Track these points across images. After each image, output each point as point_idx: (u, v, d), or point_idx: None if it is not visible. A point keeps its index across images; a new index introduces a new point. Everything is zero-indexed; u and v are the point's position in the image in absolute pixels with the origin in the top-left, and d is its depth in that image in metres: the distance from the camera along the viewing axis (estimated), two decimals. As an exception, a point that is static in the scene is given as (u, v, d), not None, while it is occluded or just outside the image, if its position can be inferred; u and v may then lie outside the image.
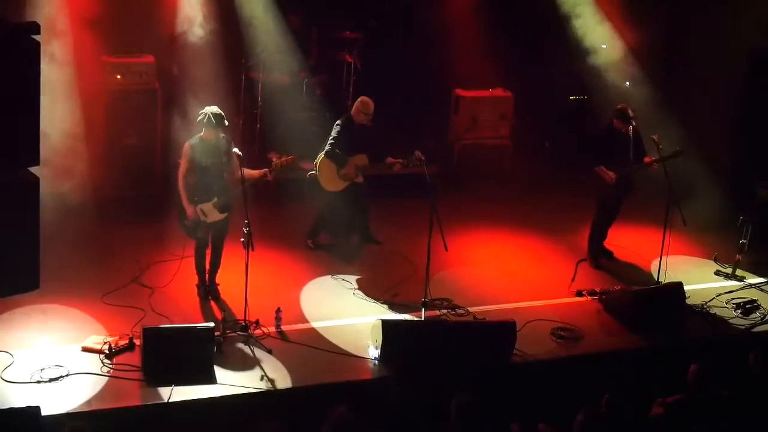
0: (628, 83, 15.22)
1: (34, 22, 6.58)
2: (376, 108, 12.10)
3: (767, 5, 13.14)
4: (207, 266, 11.11)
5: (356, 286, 11.58)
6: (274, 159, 11.15)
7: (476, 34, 15.03)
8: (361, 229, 12.61)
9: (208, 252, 11.08)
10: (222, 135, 10.68)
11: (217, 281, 11.20)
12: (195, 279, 11.14)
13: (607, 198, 12.38)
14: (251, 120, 14.68)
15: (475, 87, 15.24)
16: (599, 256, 12.68)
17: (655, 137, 11.97)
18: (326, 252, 12.38)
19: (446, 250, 10.68)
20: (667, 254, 11.82)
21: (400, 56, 15.34)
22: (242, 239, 10.13)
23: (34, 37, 6.46)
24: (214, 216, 10.79)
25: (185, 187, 10.71)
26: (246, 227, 10.09)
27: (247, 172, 10.62)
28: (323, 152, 12.02)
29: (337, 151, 11.96)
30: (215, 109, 10.60)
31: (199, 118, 10.58)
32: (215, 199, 10.72)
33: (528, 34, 15.41)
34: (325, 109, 14.58)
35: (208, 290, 11.14)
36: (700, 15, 14.64)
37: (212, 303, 11.01)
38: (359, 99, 12.19)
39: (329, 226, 12.51)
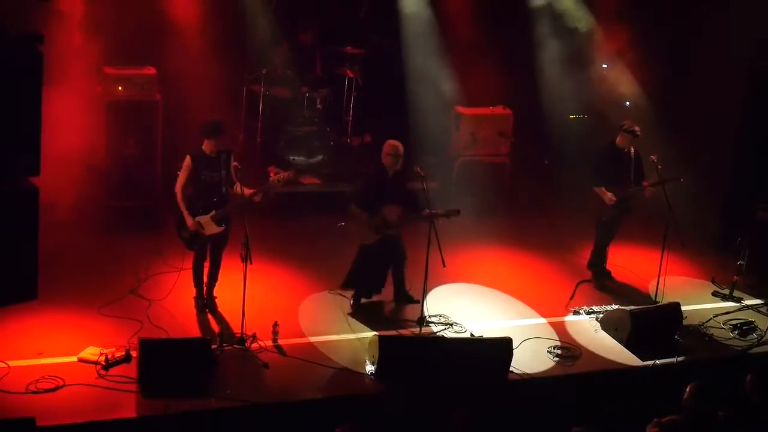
0: (628, 103, 15.24)
1: (38, 32, 6.59)
2: (376, 123, 12.04)
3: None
4: (205, 279, 11.10)
5: (353, 301, 11.55)
6: (272, 174, 11.11)
7: (477, 51, 15.03)
8: (396, 285, 11.71)
9: (206, 265, 11.07)
10: (222, 148, 10.72)
11: (215, 294, 11.19)
12: (193, 291, 11.12)
13: (606, 218, 12.37)
14: (252, 133, 14.69)
15: (476, 104, 15.25)
16: (601, 277, 12.69)
17: (653, 158, 11.98)
18: (333, 274, 12.00)
19: (444, 266, 10.67)
20: (665, 275, 11.82)
21: (401, 72, 15.34)
22: (241, 253, 10.14)
23: (37, 47, 6.46)
24: (212, 229, 10.79)
25: (184, 198, 10.74)
26: (245, 241, 10.10)
27: (238, 188, 10.69)
28: (353, 201, 11.36)
29: (366, 201, 11.17)
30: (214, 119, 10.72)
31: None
32: (213, 212, 10.73)
33: (529, 51, 15.42)
34: (326, 124, 14.59)
35: (205, 303, 11.13)
36: (700, 35, 14.64)
37: (209, 316, 11.00)
38: (386, 143, 11.36)
39: (362, 279, 11.60)
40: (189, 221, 10.73)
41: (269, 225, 12.81)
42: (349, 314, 11.37)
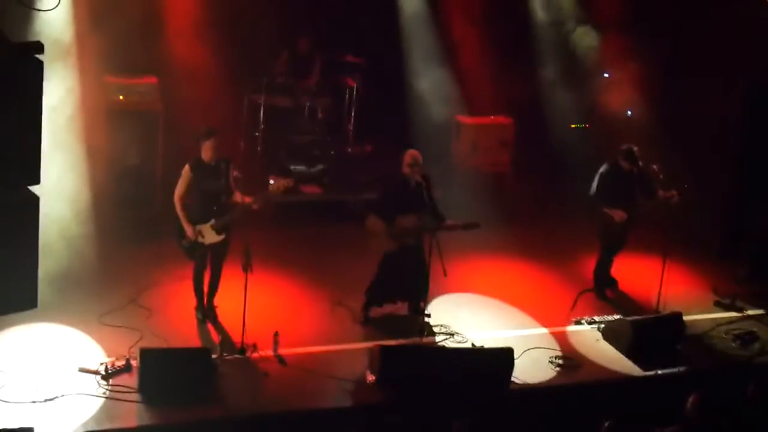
0: (629, 112, 15.23)
1: (38, 42, 6.58)
2: (377, 132, 12.03)
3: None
4: (205, 289, 11.08)
5: (363, 310, 11.50)
6: (271, 182, 11.08)
7: (479, 60, 15.04)
8: (411, 297, 11.49)
9: (207, 274, 11.06)
10: (221, 157, 10.72)
11: (215, 303, 11.17)
12: (193, 301, 11.10)
13: (611, 233, 12.31)
14: (253, 143, 14.69)
15: (477, 113, 15.25)
16: (605, 287, 12.66)
17: (655, 167, 11.96)
18: (335, 287, 12.10)
19: (445, 276, 10.65)
20: (667, 284, 11.80)
21: (401, 80, 15.35)
22: (241, 262, 10.12)
23: (37, 56, 6.45)
24: (212, 238, 10.76)
25: (183, 207, 10.72)
26: (245, 250, 10.08)
27: (238, 196, 10.72)
28: (370, 210, 11.23)
29: (386, 208, 11.06)
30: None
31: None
32: (213, 221, 10.70)
33: (530, 61, 15.43)
34: (327, 133, 14.58)
35: (206, 313, 11.11)
36: (699, 45, 14.65)
37: (210, 325, 10.97)
38: (406, 152, 11.18)
39: (380, 291, 11.45)
40: (188, 230, 10.70)
41: (270, 234, 12.76)
42: (358, 323, 11.35)
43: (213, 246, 10.83)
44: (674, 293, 12.23)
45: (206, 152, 10.65)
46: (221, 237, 10.77)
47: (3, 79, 6.30)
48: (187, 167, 10.71)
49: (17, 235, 6.73)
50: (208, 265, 11.00)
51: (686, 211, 11.99)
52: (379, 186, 11.89)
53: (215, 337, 10.65)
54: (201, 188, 10.68)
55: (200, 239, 10.74)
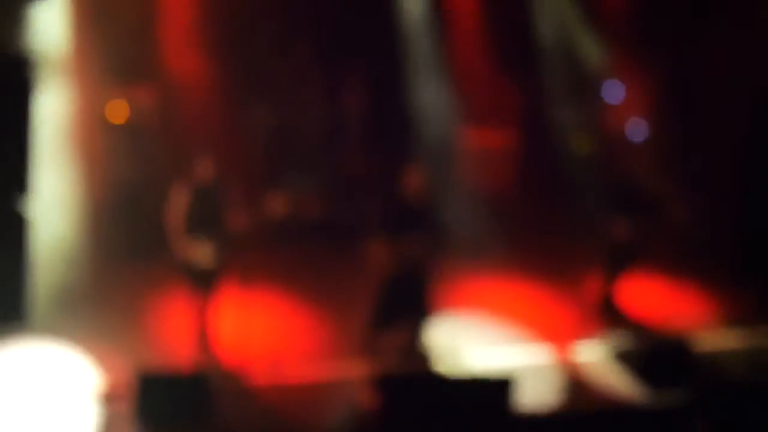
0: (634, 133, 15.25)
1: (33, 54, 6.52)
2: (379, 150, 12.01)
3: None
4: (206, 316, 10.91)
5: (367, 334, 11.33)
6: (268, 200, 11.06)
7: (483, 79, 15.05)
8: (415, 318, 11.21)
9: (205, 301, 10.87)
10: (219, 180, 10.66)
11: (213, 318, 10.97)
12: (190, 320, 10.95)
13: (617, 252, 12.24)
14: (254, 162, 14.62)
15: (480, 133, 15.23)
16: (611, 307, 12.52)
17: (664, 186, 11.93)
18: (335, 307, 12.06)
19: (447, 297, 10.55)
20: (677, 305, 11.71)
21: (404, 99, 15.33)
22: (240, 284, 10.04)
23: (31, 68, 6.37)
24: (207, 258, 10.61)
25: (178, 231, 10.56)
26: (244, 273, 9.99)
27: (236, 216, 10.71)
28: (373, 232, 10.92)
29: (387, 231, 10.82)
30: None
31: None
32: (209, 242, 10.55)
33: (534, 83, 15.44)
34: (329, 153, 14.54)
35: (207, 340, 10.91)
36: (704, 60, 14.65)
37: (209, 349, 10.83)
38: (405, 170, 11.07)
39: (385, 316, 11.18)
40: (183, 248, 10.58)
41: (270, 254, 12.70)
42: (360, 349, 11.14)
43: (209, 267, 10.64)
44: (683, 313, 12.20)
45: (205, 172, 10.58)
46: (216, 257, 10.62)
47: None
48: (184, 189, 10.60)
49: (8, 247, 6.65)
50: (209, 290, 10.77)
51: (696, 228, 11.98)
52: (381, 207, 11.75)
53: (214, 362, 10.49)
54: (198, 208, 10.56)
55: (196, 259, 10.59)
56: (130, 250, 12.52)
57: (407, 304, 11.13)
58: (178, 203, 10.58)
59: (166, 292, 11.63)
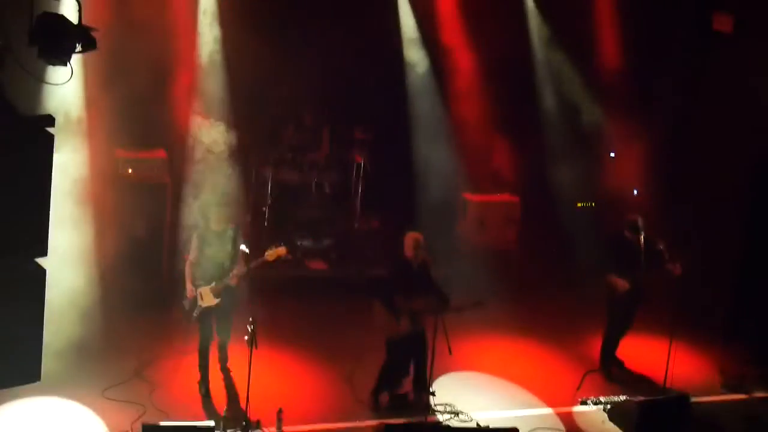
0: (636, 191, 15.27)
1: (50, 116, 6.61)
2: (384, 207, 12.03)
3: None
4: (210, 363, 11.10)
5: (374, 394, 11.35)
6: (267, 251, 11.21)
7: (486, 138, 15.15)
8: (417, 379, 11.30)
9: (213, 348, 11.10)
10: (231, 225, 11.05)
11: (229, 366, 11.28)
12: (197, 375, 11.04)
13: (617, 307, 12.29)
14: (260, 216, 14.72)
15: (483, 191, 15.30)
16: (611, 367, 12.56)
17: (662, 246, 11.96)
18: (341, 363, 12.07)
19: (450, 354, 10.56)
20: (674, 365, 11.70)
21: (409, 158, 15.44)
22: (246, 337, 10.08)
23: (48, 129, 6.48)
24: (209, 300, 10.92)
25: (190, 271, 11.01)
26: (250, 325, 10.05)
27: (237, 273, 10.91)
28: (377, 297, 11.08)
29: (392, 294, 10.92)
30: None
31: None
32: (213, 284, 10.88)
33: (537, 140, 15.52)
34: (334, 208, 14.61)
35: (208, 389, 11.11)
36: (703, 122, 14.75)
37: (213, 400, 10.92)
38: (407, 235, 11.18)
39: (390, 377, 11.33)
40: (189, 289, 10.97)
41: (276, 309, 12.80)
42: (368, 407, 11.19)
43: (210, 310, 10.94)
44: (681, 374, 12.09)
45: (216, 220, 10.95)
46: (217, 300, 10.91)
47: (14, 153, 6.32)
48: (196, 234, 11.08)
49: (23, 307, 6.69)
50: (212, 336, 11.07)
51: (692, 289, 11.97)
52: (385, 269, 11.82)
53: (219, 412, 10.54)
54: (207, 253, 10.94)
55: (199, 301, 10.92)
56: (140, 304, 12.56)
57: (410, 364, 11.29)
58: (192, 249, 11.02)
59: (174, 346, 11.77)
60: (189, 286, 11.00)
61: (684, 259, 11.89)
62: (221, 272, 10.90)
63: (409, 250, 10.98)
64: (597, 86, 15.36)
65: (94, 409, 10.41)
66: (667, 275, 11.88)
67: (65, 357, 10.90)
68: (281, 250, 11.09)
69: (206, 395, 11.02)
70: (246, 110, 14.22)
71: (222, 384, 11.15)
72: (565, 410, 11.59)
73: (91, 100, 12.45)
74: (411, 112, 15.48)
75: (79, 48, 7.37)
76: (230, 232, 11.00)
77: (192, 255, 11.03)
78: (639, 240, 12.05)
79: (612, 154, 15.61)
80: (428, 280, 10.91)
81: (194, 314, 10.99)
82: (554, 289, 14.73)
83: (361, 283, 13.85)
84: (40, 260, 6.67)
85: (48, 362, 7.78)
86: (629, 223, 12.10)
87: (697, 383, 12.40)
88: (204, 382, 11.10)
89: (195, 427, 9.64)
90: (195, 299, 10.94)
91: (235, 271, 10.89)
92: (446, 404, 11.31)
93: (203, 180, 13.16)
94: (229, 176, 13.37)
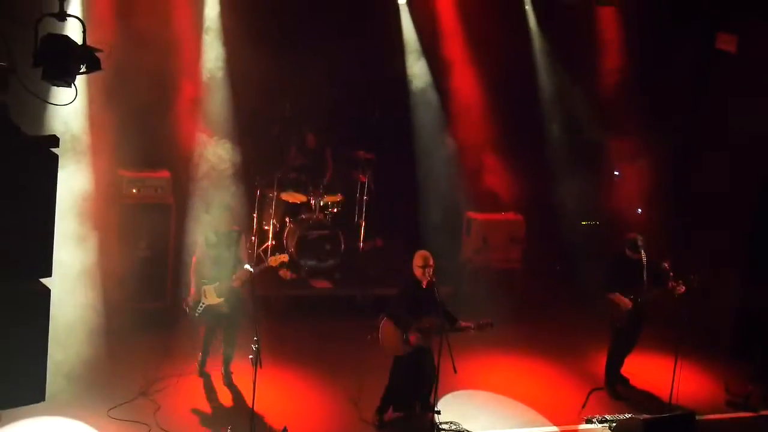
0: (639, 210, 15.27)
1: (54, 136, 6.62)
2: (388, 226, 12.04)
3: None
4: (215, 380, 11.44)
5: (378, 413, 11.33)
6: (270, 257, 11.50)
7: (489, 157, 15.16)
8: (423, 398, 11.29)
9: (216, 338, 11.71)
10: (234, 227, 11.63)
11: (232, 370, 11.66)
12: (202, 393, 11.19)
13: (620, 325, 12.27)
14: (264, 237, 14.74)
15: (487, 210, 15.31)
16: (616, 385, 12.54)
17: (666, 265, 11.95)
18: (346, 381, 11.99)
19: (455, 372, 10.55)
20: (679, 382, 11.68)
21: (413, 177, 15.47)
22: (251, 356, 10.08)
23: (52, 150, 6.50)
24: (212, 299, 11.42)
25: (195, 270, 11.54)
26: (255, 344, 10.06)
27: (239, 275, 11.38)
28: (384, 313, 11.14)
29: (400, 312, 10.99)
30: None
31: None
32: (217, 284, 11.38)
33: (541, 158, 15.53)
34: (338, 228, 14.62)
35: (204, 370, 11.77)
36: (709, 142, 14.76)
37: (218, 418, 10.90)
38: (416, 253, 11.14)
39: (396, 396, 11.31)
40: (192, 289, 11.50)
41: (280, 328, 12.83)
42: (372, 426, 11.19)
43: (212, 308, 11.42)
44: (686, 391, 12.07)
45: (222, 222, 11.51)
46: (220, 300, 11.40)
47: (18, 173, 6.34)
48: (202, 237, 11.63)
49: (27, 327, 6.70)
50: (216, 331, 11.69)
51: (697, 306, 11.95)
52: (390, 288, 11.80)
53: (223, 431, 10.55)
54: (212, 254, 11.42)
55: (203, 298, 11.42)
56: (144, 324, 12.56)
57: (417, 383, 11.27)
58: (198, 250, 11.59)
59: (179, 366, 11.79)
60: (192, 286, 11.50)
61: (688, 277, 11.89)
62: (225, 273, 11.38)
63: (417, 268, 10.95)
64: (600, 104, 15.35)
65: (99, 429, 10.40)
66: (671, 293, 11.88)
67: (70, 377, 10.89)
68: (283, 257, 11.70)
69: (200, 374, 11.74)
70: (250, 129, 14.27)
71: (228, 400, 11.22)
72: (571, 428, 11.59)
73: (94, 120, 12.47)
74: (414, 131, 15.50)
75: (83, 69, 7.40)
76: (234, 235, 11.53)
77: (198, 254, 11.55)
78: (641, 258, 12.06)
79: (617, 173, 15.59)
80: (436, 299, 10.89)
81: (198, 310, 11.47)
82: (559, 308, 14.74)
83: (365, 301, 13.87)
84: (44, 280, 6.68)
85: (53, 382, 7.80)
86: (629, 242, 12.12)
87: (703, 401, 12.40)
88: (203, 363, 11.79)
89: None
90: (199, 297, 11.43)
91: (238, 273, 11.30)
92: (451, 422, 11.30)
93: (207, 197, 13.19)
94: (233, 195, 13.39)
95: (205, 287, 11.43)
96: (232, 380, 11.55)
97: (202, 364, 11.77)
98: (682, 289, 11.89)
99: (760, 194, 13.83)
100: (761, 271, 13.65)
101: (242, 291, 11.46)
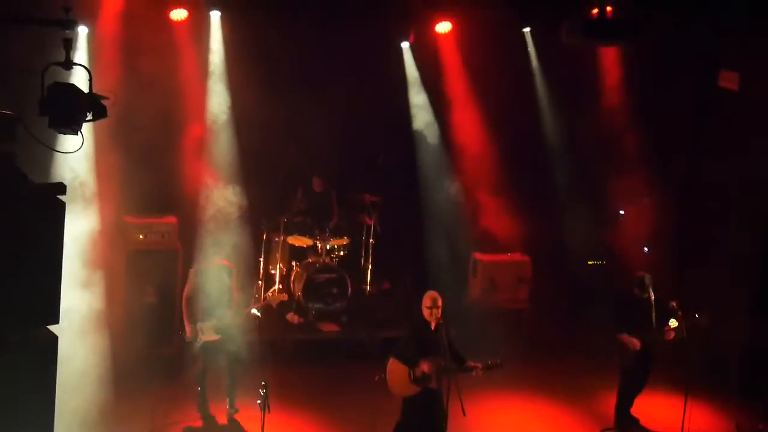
0: (646, 249, 15.26)
1: (61, 183, 6.66)
2: (395, 268, 12.05)
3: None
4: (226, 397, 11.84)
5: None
6: (268, 293, 11.68)
7: (495, 198, 15.19)
8: None
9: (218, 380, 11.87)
10: (225, 264, 11.88)
11: (237, 407, 11.85)
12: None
13: (629, 365, 12.24)
14: (270, 281, 14.75)
15: (494, 251, 15.32)
16: (627, 426, 12.48)
17: (674, 304, 11.93)
18: (354, 426, 12.02)
19: (464, 415, 10.49)
20: (690, 421, 11.63)
21: (418, 219, 15.49)
22: (259, 401, 10.07)
23: (60, 197, 6.53)
24: (210, 336, 11.66)
25: (187, 306, 11.74)
26: (263, 389, 10.05)
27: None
28: (392, 353, 11.03)
29: (407, 353, 10.85)
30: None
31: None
32: (213, 321, 11.60)
33: (545, 198, 15.55)
34: (345, 271, 14.62)
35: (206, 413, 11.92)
36: (711, 179, 14.79)
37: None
38: (425, 294, 11.04)
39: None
40: (187, 329, 11.72)
41: (288, 372, 12.80)
42: None
43: (210, 344, 11.66)
44: (697, 430, 12.06)
45: (210, 259, 11.83)
46: (217, 337, 11.65)
47: (26, 220, 6.37)
48: (192, 270, 11.88)
49: (35, 374, 6.71)
50: (211, 368, 11.87)
51: (705, 344, 11.93)
52: (399, 329, 11.77)
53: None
54: (205, 290, 11.67)
55: (199, 335, 11.65)
56: (151, 370, 12.53)
57: (425, 425, 11.21)
58: (187, 287, 11.85)
59: (186, 413, 11.81)
60: (187, 324, 11.69)
61: (695, 317, 11.87)
62: (220, 309, 11.65)
63: (426, 309, 10.88)
64: (603, 143, 15.39)
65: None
66: (680, 333, 11.86)
67: (78, 424, 10.87)
68: (283, 296, 12.24)
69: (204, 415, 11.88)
70: (255, 173, 14.33)
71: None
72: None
73: (100, 165, 12.56)
74: (419, 173, 15.55)
75: (89, 117, 7.45)
76: (227, 270, 11.82)
77: (187, 290, 11.75)
78: (648, 297, 12.05)
79: (621, 212, 15.61)
80: (444, 339, 10.86)
81: (196, 346, 11.68)
82: (567, 348, 14.70)
83: (373, 344, 13.83)
84: (51, 327, 6.70)
85: (60, 429, 7.79)
86: (636, 281, 12.14)
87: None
88: (202, 406, 11.93)
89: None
90: (195, 335, 11.65)
91: (233, 310, 11.68)
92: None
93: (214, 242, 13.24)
94: (239, 238, 13.42)
95: (201, 325, 11.65)
96: (233, 415, 11.78)
97: (202, 405, 11.91)
98: (671, 334, 11.90)
99: (764, 234, 13.79)
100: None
101: (241, 326, 11.76)
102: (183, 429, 11.59)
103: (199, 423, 11.46)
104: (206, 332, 11.64)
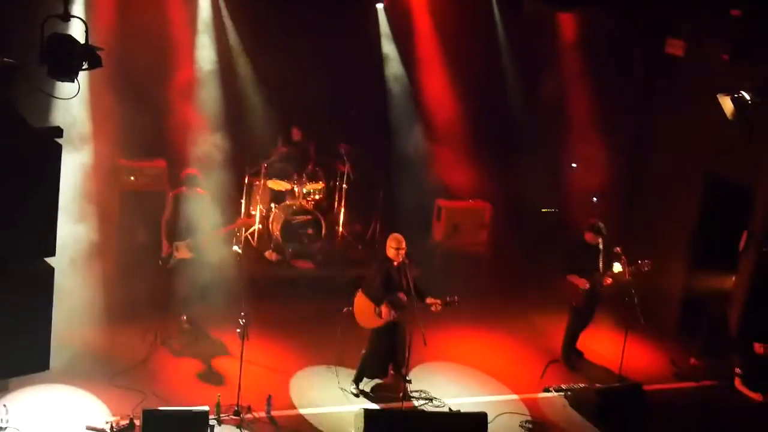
0: (595, 199, 15.34)
1: (58, 127, 6.68)
2: (366, 212, 12.08)
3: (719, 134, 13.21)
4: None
5: (355, 381, 11.45)
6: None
7: (458, 150, 15.21)
8: (395, 364, 11.49)
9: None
10: (201, 192, 12.10)
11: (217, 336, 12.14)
12: (195, 363, 11.45)
13: (578, 304, 12.38)
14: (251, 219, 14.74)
15: (457, 197, 15.39)
16: (572, 358, 12.67)
17: (618, 249, 12.06)
18: (325, 354, 12.01)
19: (425, 345, 10.64)
20: (629, 356, 11.83)
21: (388, 168, 15.51)
22: (238, 330, 10.17)
23: (57, 140, 6.55)
24: (184, 254, 11.97)
25: (165, 227, 12.03)
26: (242, 318, 10.16)
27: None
28: (360, 289, 11.31)
29: (374, 288, 11.12)
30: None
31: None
32: (188, 240, 11.89)
33: (507, 152, 15.58)
34: (320, 214, 14.64)
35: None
36: (660, 137, 14.86)
37: (208, 387, 11.01)
38: (390, 236, 11.27)
39: (371, 364, 11.46)
40: (164, 246, 12.04)
41: (266, 305, 12.84)
42: (352, 394, 11.30)
43: (184, 261, 11.93)
44: (636, 365, 12.31)
45: (187, 186, 11.97)
46: (191, 255, 11.94)
47: (25, 161, 6.40)
48: (170, 194, 12.10)
49: (33, 303, 6.76)
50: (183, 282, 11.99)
51: (646, 287, 12.09)
52: (369, 267, 11.86)
53: (213, 398, 10.58)
54: (181, 213, 11.91)
55: (174, 252, 11.94)
56: (141, 304, 12.53)
57: (389, 354, 11.38)
58: (167, 209, 12.06)
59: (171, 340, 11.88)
60: (164, 242, 11.99)
61: (637, 262, 12.01)
62: (193, 229, 11.91)
63: (391, 249, 11.05)
64: (560, 102, 15.40)
65: (99, 396, 10.49)
66: (622, 276, 12.01)
67: (72, 350, 10.97)
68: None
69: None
70: (240, 122, 14.32)
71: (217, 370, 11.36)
72: (530, 397, 11.73)
73: (95, 112, 12.49)
74: (390, 125, 15.54)
75: (85, 66, 7.45)
76: (202, 197, 12.03)
77: (166, 213, 12.01)
78: (599, 243, 12.18)
79: (573, 165, 15.67)
80: (407, 277, 10.98)
81: (170, 264, 11.94)
82: (521, 287, 14.80)
83: (344, 281, 13.89)
84: (48, 259, 6.74)
85: (57, 354, 7.85)
86: (591, 226, 12.23)
87: (651, 373, 12.58)
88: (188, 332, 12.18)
89: (191, 411, 9.70)
90: (171, 252, 11.94)
91: (207, 231, 11.93)
92: (421, 391, 11.42)
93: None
94: (223, 180, 13.42)
95: (177, 243, 11.90)
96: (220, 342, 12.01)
97: (188, 331, 12.18)
98: (609, 280, 12.05)
99: (704, 186, 13.90)
100: (703, 260, 13.74)
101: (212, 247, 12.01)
102: (172, 352, 11.69)
103: (187, 347, 11.68)
104: (181, 251, 11.92)
